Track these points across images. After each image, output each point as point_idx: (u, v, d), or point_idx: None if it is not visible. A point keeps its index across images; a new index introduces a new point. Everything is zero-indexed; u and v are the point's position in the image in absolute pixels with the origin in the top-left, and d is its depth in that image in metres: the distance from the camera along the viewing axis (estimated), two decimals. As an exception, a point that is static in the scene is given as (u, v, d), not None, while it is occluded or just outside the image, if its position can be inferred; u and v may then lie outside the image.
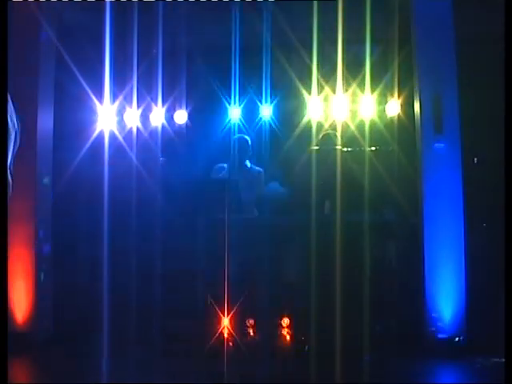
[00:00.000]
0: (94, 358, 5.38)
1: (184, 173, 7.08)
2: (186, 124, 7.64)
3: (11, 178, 2.93)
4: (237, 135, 6.91)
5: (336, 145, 6.29)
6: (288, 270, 6.68)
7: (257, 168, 6.74)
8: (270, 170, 7.07)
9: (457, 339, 5.69)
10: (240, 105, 7.40)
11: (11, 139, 2.93)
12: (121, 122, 7.08)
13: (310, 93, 6.74)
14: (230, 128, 7.37)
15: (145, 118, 7.30)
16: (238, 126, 7.49)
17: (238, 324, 6.33)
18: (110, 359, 5.31)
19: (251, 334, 6.44)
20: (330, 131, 6.57)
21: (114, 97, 6.73)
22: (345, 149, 6.36)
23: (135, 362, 5.32)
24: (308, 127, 6.77)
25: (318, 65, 6.40)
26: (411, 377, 5.06)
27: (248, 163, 6.69)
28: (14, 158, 2.99)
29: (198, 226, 6.56)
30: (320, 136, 6.42)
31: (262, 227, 6.47)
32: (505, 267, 3.20)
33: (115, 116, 6.88)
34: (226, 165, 6.80)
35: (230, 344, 6.07)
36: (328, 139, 6.37)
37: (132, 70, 6.80)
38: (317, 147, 6.39)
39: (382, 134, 6.72)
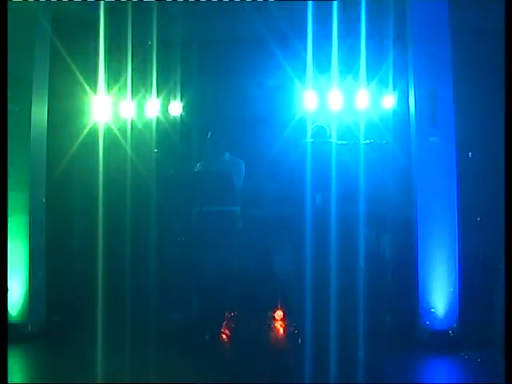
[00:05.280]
0: (86, 351, 5.39)
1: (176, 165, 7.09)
2: (181, 116, 7.62)
3: None
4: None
5: (326, 137, 6.29)
6: (279, 262, 6.70)
7: (236, 159, 6.72)
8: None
9: (450, 332, 5.71)
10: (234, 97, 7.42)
11: None
12: (116, 114, 7.08)
13: (304, 85, 6.75)
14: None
15: (140, 109, 7.29)
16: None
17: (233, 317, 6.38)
18: (103, 352, 5.31)
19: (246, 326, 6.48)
20: (320, 123, 6.58)
21: (108, 88, 6.73)
22: (339, 142, 6.35)
23: (129, 356, 5.32)
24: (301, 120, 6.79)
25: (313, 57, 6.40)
26: (404, 370, 5.07)
27: (227, 155, 6.68)
28: None
29: (186, 218, 6.59)
30: (310, 128, 6.42)
31: (249, 220, 6.50)
32: (505, 267, 3.21)
33: (110, 108, 6.88)
34: (207, 161, 6.79)
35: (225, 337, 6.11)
36: (318, 131, 6.37)
37: (127, 62, 6.79)
38: (311, 140, 6.39)
39: (376, 127, 6.72)
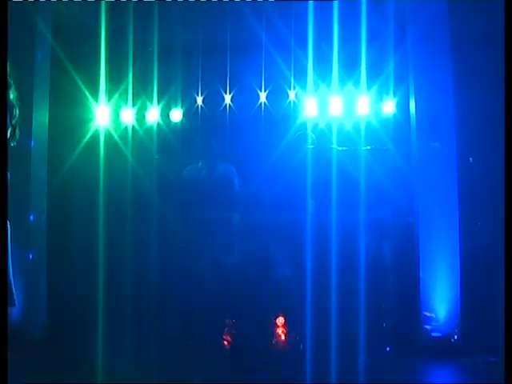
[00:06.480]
0: (87, 356, 5.39)
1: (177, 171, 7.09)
2: (182, 122, 7.63)
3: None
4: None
5: (311, 144, 6.34)
6: (280, 268, 6.70)
7: (225, 164, 6.75)
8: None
9: (453, 339, 5.70)
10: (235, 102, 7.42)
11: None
12: (116, 120, 7.08)
13: (305, 91, 6.76)
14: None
15: (140, 116, 7.30)
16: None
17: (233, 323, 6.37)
18: (104, 357, 5.31)
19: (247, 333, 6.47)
20: (304, 131, 6.62)
21: (109, 95, 6.73)
22: (339, 148, 6.37)
23: (130, 360, 5.32)
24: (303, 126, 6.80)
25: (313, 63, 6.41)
26: (406, 376, 5.06)
27: (216, 161, 6.72)
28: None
29: (187, 224, 6.58)
30: (296, 136, 6.46)
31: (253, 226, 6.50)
32: (505, 267, 3.20)
33: (111, 114, 6.88)
34: (197, 165, 6.82)
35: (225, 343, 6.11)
36: (302, 139, 6.42)
37: (128, 68, 6.80)
38: (311, 146, 6.42)
39: (377, 133, 6.72)
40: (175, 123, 7.54)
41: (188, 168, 6.85)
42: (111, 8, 6.18)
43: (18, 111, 3.22)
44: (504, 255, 3.18)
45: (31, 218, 6.03)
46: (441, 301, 5.75)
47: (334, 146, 6.43)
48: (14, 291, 3.13)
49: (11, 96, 3.17)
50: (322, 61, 6.45)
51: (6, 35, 2.88)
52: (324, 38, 6.20)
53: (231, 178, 6.63)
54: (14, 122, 3.18)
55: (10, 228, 3.19)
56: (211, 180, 6.53)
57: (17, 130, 3.25)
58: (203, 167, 6.65)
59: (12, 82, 3.20)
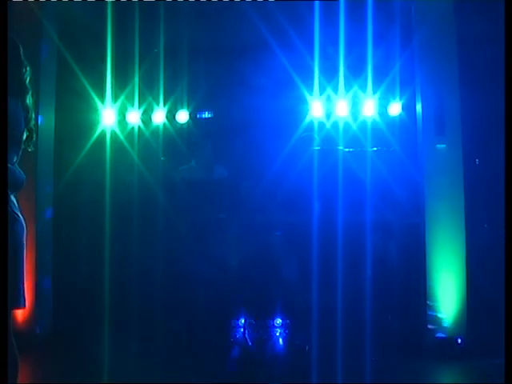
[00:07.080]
0: (93, 357, 5.39)
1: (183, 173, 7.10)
2: (188, 123, 7.63)
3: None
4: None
5: (315, 146, 6.34)
6: (285, 270, 6.69)
7: (221, 167, 6.79)
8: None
9: (459, 340, 5.68)
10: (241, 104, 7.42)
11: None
12: (122, 122, 7.09)
13: (311, 92, 6.76)
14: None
15: (146, 117, 7.31)
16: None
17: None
18: (110, 358, 5.32)
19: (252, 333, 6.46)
20: (310, 132, 6.62)
21: (115, 96, 6.75)
22: (346, 149, 6.37)
23: (135, 360, 5.33)
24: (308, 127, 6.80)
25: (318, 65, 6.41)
26: (411, 377, 5.05)
27: (210, 161, 6.75)
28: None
29: (193, 225, 6.59)
30: (301, 137, 6.46)
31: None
32: (505, 267, 3.20)
33: (117, 115, 6.90)
34: (190, 165, 6.85)
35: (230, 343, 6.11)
36: (307, 139, 6.42)
37: (134, 69, 6.81)
38: (318, 147, 6.41)
39: (383, 134, 6.71)
40: (181, 125, 7.55)
41: (181, 168, 6.88)
42: (117, 9, 6.19)
43: (33, 115, 3.23)
44: (505, 256, 3.18)
45: (37, 219, 6.05)
46: (447, 302, 5.73)
47: (341, 147, 6.43)
48: (24, 292, 3.12)
49: (28, 101, 3.20)
50: (329, 62, 6.44)
51: (6, 35, 2.88)
52: (330, 40, 6.19)
53: (226, 179, 6.66)
54: (30, 126, 3.19)
55: (25, 223, 3.19)
56: (207, 180, 6.57)
57: (33, 134, 3.26)
58: (198, 168, 6.67)
59: (30, 87, 3.22)
